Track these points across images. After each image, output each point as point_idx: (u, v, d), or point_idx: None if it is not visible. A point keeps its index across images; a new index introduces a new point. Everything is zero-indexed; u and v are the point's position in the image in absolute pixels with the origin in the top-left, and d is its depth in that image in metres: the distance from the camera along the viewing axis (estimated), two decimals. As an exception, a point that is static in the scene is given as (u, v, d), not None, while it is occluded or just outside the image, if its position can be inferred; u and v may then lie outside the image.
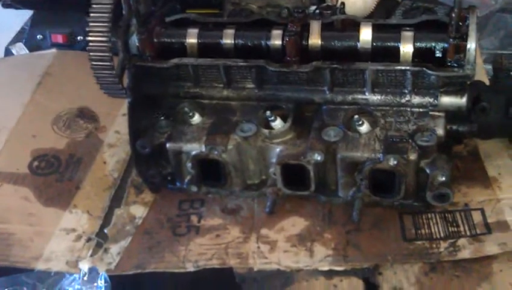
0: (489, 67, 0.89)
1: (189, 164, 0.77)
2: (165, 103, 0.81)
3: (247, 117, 0.79)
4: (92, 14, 0.77)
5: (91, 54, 0.78)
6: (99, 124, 0.93)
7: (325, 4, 1.02)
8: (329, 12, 0.94)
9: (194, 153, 0.76)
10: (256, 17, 0.84)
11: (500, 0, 1.03)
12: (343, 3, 0.97)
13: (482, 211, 0.76)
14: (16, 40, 1.11)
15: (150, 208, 0.81)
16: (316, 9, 0.97)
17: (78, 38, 1.07)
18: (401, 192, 0.74)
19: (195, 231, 0.78)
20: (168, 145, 0.77)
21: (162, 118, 0.80)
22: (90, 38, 0.77)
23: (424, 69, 0.73)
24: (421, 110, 0.75)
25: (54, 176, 0.86)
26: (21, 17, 1.14)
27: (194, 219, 0.79)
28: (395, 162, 0.71)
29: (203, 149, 0.76)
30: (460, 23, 0.73)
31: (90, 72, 0.79)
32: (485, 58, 0.97)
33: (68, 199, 0.83)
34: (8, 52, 1.10)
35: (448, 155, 0.75)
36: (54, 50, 1.06)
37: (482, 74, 0.91)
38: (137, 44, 0.80)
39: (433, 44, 0.75)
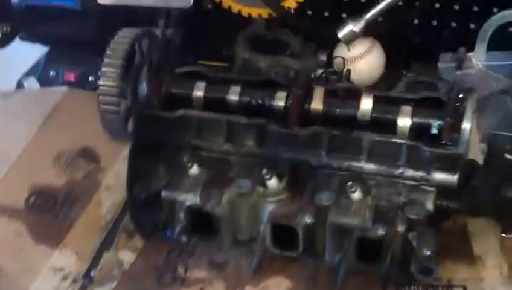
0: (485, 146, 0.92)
1: (182, 214, 0.79)
2: (165, 151, 0.83)
3: (244, 173, 0.81)
4: (105, 59, 0.81)
5: (100, 97, 0.81)
6: (100, 165, 0.95)
7: (331, 69, 1.05)
8: (335, 77, 0.98)
9: (188, 204, 0.78)
10: (263, 77, 0.88)
11: (501, 82, 1.06)
12: (349, 70, 1.01)
13: (465, 288, 0.76)
14: (29, 73, 1.14)
15: (138, 255, 0.82)
16: (322, 73, 1.01)
17: (90, 78, 1.10)
18: (387, 262, 0.75)
19: (180, 282, 0.79)
20: (163, 193, 0.79)
21: (161, 166, 0.82)
22: (101, 81, 0.80)
23: (419, 144, 0.75)
24: (413, 183, 0.77)
25: (49, 213, 0.87)
26: (36, 51, 1.17)
27: (180, 269, 0.80)
28: (383, 233, 0.73)
29: (198, 201, 0.78)
30: (458, 104, 0.76)
31: (97, 113, 0.82)
32: (482, 137, 0.99)
33: (60, 237, 0.84)
34: (20, 85, 1.13)
35: (436, 229, 0.77)
36: (64, 88, 1.09)
37: (478, 152, 0.93)
38: (146, 92, 0.83)
39: (430, 121, 0.78)
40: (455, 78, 0.95)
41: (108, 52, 0.80)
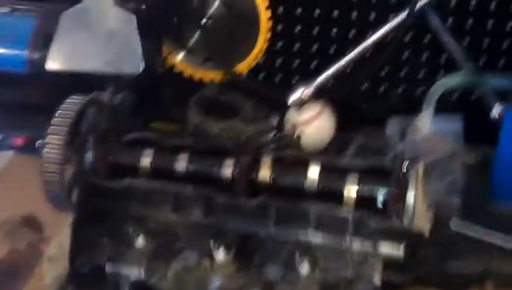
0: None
1: (126, 289, 0.77)
2: (111, 222, 0.82)
3: (192, 244, 0.80)
4: (51, 127, 0.79)
5: (43, 167, 0.79)
6: (43, 234, 0.93)
7: (282, 133, 1.06)
8: (285, 142, 0.99)
9: (132, 278, 0.77)
10: (212, 144, 0.87)
11: (448, 146, 1.08)
12: (299, 136, 1.01)
13: None
14: (-24, 138, 1.12)
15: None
16: (273, 136, 1.01)
17: (38, 142, 1.08)
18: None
19: None
20: (107, 266, 0.78)
21: (106, 237, 0.80)
22: (45, 150, 0.79)
23: (364, 217, 0.76)
24: (360, 255, 0.77)
25: (-11, 287, 0.85)
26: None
27: None
28: (330, 310, 0.73)
29: (142, 275, 0.76)
30: (402, 174, 0.77)
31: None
32: (430, 203, 1.00)
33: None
34: (-35, 150, 1.11)
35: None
36: (11, 152, 1.07)
37: (424, 221, 0.94)
38: (91, 160, 0.82)
39: (376, 191, 0.78)
40: (401, 146, 0.96)
41: (54, 120, 0.79)
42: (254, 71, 1.15)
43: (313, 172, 0.80)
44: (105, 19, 0.96)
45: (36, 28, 0.99)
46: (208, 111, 1.10)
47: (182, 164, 0.82)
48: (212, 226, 0.81)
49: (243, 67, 1.15)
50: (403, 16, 1.03)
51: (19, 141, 1.09)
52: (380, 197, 0.77)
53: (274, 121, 1.11)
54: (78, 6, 0.96)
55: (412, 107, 1.10)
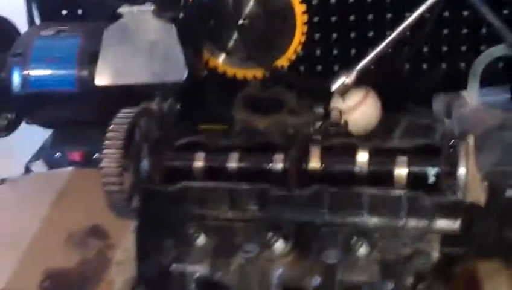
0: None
1: (192, 286, 0.80)
2: (171, 224, 0.85)
3: (250, 238, 0.82)
4: (107, 141, 0.83)
5: (104, 179, 0.83)
6: (110, 242, 0.97)
7: (329, 121, 1.07)
8: (333, 128, 1.00)
9: (197, 275, 0.79)
10: (260, 140, 0.89)
11: (497, 118, 1.07)
12: (346, 121, 1.03)
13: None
14: (35, 157, 1.17)
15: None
16: (321, 125, 1.03)
17: (95, 155, 1.12)
18: (399, 315, 0.76)
19: None
20: (172, 267, 0.81)
21: (168, 239, 0.83)
22: (103, 164, 0.83)
23: (418, 195, 0.76)
24: (417, 232, 0.78)
25: (62, 297, 0.89)
26: (41, 134, 1.20)
27: None
28: (392, 287, 0.74)
29: (207, 271, 0.79)
30: (451, 150, 0.77)
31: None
32: (483, 175, 1.00)
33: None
34: (27, 170, 1.16)
35: (445, 277, 0.77)
36: (71, 168, 1.12)
37: (479, 193, 0.94)
38: (147, 168, 0.85)
39: (427, 169, 0.79)
40: (449, 122, 0.96)
41: (109, 134, 0.83)
42: (295, 64, 1.18)
43: (362, 157, 0.82)
44: (146, 31, 0.99)
45: (82, 47, 1.03)
46: (253, 108, 1.13)
47: (233, 162, 0.85)
48: (268, 219, 0.83)
49: (284, 61, 1.17)
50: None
51: (76, 156, 1.13)
52: (431, 175, 0.78)
53: (319, 110, 1.13)
54: (119, 22, 1.00)
55: (457, 83, 1.10)
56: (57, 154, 1.15)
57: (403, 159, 0.79)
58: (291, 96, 1.13)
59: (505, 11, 1.07)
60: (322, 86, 1.11)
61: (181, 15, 1.09)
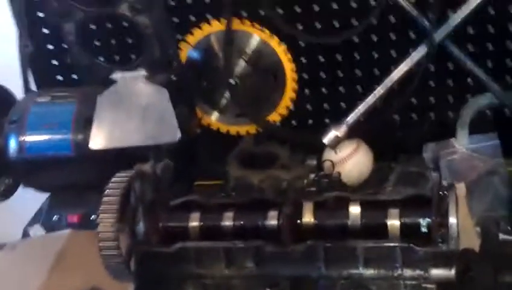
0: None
1: None
2: (169, 284, 0.85)
3: (249, 295, 0.83)
4: (102, 206, 0.84)
5: (100, 243, 0.84)
6: (109, 305, 0.97)
7: (322, 173, 1.09)
8: (326, 180, 1.01)
9: (198, 335, 0.80)
10: (255, 196, 0.91)
11: (487, 163, 1.09)
12: (339, 173, 1.04)
13: None
14: (33, 221, 1.18)
15: None
16: (314, 177, 1.04)
17: (92, 217, 1.13)
18: None
19: None
20: (172, 328, 0.81)
21: (167, 301, 0.84)
22: (99, 229, 0.84)
23: (411, 245, 0.77)
24: (413, 282, 0.79)
25: None
26: (38, 198, 1.21)
27: None
28: (393, 340, 0.74)
29: (207, 332, 0.79)
30: (441, 201, 0.79)
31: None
32: (476, 220, 1.01)
33: None
34: (25, 234, 1.17)
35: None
36: (68, 230, 1.13)
37: (473, 238, 0.95)
38: (143, 230, 0.86)
39: (419, 220, 0.80)
40: (437, 172, 0.98)
41: (104, 199, 0.84)
42: (287, 119, 1.20)
43: (354, 210, 0.83)
44: (139, 96, 1.02)
45: (76, 112, 1.05)
46: (247, 163, 1.14)
47: (228, 221, 0.86)
48: (265, 275, 0.83)
49: (275, 116, 1.20)
50: (422, 50, 1.06)
51: (74, 218, 1.14)
52: (423, 225, 0.79)
53: (312, 162, 1.14)
54: (112, 87, 1.03)
55: (446, 132, 1.12)
56: (55, 217, 1.16)
57: (395, 211, 0.81)
58: (284, 150, 1.15)
59: (489, 64, 1.10)
60: (314, 139, 1.14)
61: (173, 77, 1.12)
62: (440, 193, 0.78)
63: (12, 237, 1.17)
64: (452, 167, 1.09)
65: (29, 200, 1.21)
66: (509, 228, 0.95)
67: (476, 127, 1.11)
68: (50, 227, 1.16)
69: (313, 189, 0.97)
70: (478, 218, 1.03)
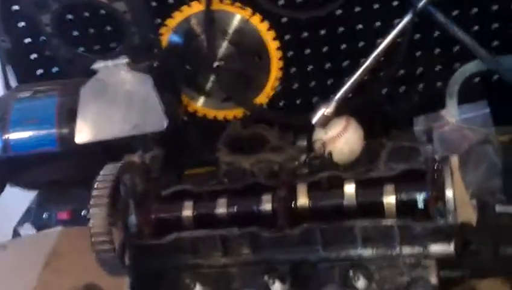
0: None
1: (193, 338, 0.79)
2: (166, 276, 0.84)
3: (247, 283, 0.81)
4: (92, 200, 0.82)
5: (93, 238, 0.82)
6: (105, 300, 0.95)
7: (313, 154, 1.08)
8: (318, 161, 1.00)
9: (197, 325, 0.79)
10: (247, 181, 0.89)
11: (478, 133, 1.08)
12: (330, 152, 1.03)
13: None
14: (23, 220, 1.16)
15: None
16: (305, 159, 1.03)
17: (82, 213, 1.12)
18: None
19: None
20: (171, 320, 0.80)
21: (165, 293, 0.83)
22: (91, 223, 0.82)
23: (409, 222, 0.76)
24: (412, 259, 0.78)
25: None
26: (27, 196, 1.19)
27: None
28: (394, 319, 0.73)
29: (206, 323, 0.78)
30: (436, 174, 0.77)
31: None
32: (471, 192, 1.00)
33: None
34: (16, 234, 1.15)
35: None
36: (59, 228, 1.11)
37: (470, 211, 0.94)
38: (135, 223, 0.85)
39: (415, 196, 0.79)
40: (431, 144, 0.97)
41: (94, 193, 0.82)
42: (274, 100, 1.18)
43: (349, 189, 0.81)
44: (122, 84, 0.99)
45: (59, 106, 1.03)
46: (236, 148, 1.13)
47: (222, 208, 0.84)
48: (263, 261, 0.82)
49: (262, 98, 1.18)
50: (407, 18, 1.04)
51: (64, 215, 1.12)
52: (420, 200, 0.78)
53: (302, 143, 1.13)
54: (94, 78, 1.00)
55: (436, 103, 1.11)
56: (45, 215, 1.14)
57: (390, 188, 0.79)
58: (273, 132, 1.14)
59: (475, 28, 1.09)
60: (303, 119, 1.12)
61: (156, 63, 1.09)
62: (435, 166, 0.76)
63: (2, 237, 1.15)
64: (443, 139, 1.08)
65: (17, 198, 1.19)
66: (504, 198, 0.94)
67: (466, 96, 1.10)
68: (40, 225, 1.14)
69: (305, 170, 0.95)
70: (473, 190, 1.02)
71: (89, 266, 1.01)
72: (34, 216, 1.15)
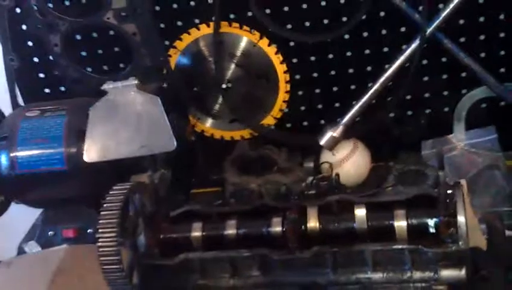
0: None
1: None
2: (174, 297, 0.84)
3: (256, 305, 0.81)
4: (101, 221, 0.82)
5: (101, 258, 0.81)
6: (112, 321, 0.94)
7: (320, 175, 1.08)
8: (325, 183, 1.00)
9: None
10: (256, 203, 0.89)
11: (486, 158, 1.08)
12: (337, 174, 1.03)
13: None
14: (28, 237, 1.15)
15: None
16: (312, 180, 1.03)
17: (88, 231, 1.11)
18: None
19: None
20: None
21: (172, 314, 0.82)
22: (99, 243, 0.81)
23: (420, 247, 0.76)
24: (423, 284, 0.78)
25: None
26: (32, 214, 1.18)
27: None
28: None
29: None
30: (448, 200, 0.77)
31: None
32: (480, 217, 1.00)
33: None
34: (21, 250, 1.14)
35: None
36: (64, 246, 1.10)
37: (480, 236, 0.94)
38: (144, 243, 0.84)
39: (426, 221, 0.79)
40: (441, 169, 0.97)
41: (102, 213, 0.82)
42: (281, 121, 1.18)
43: (360, 213, 0.81)
44: (131, 105, 0.99)
45: (67, 125, 1.03)
46: (243, 169, 1.13)
47: (231, 229, 0.84)
48: (272, 284, 0.82)
49: (270, 120, 1.18)
50: (415, 44, 1.05)
51: (69, 233, 1.11)
52: (431, 225, 0.78)
53: (309, 165, 1.13)
54: (104, 98, 1.00)
55: (443, 127, 1.11)
56: (50, 232, 1.13)
57: (401, 212, 0.79)
58: (281, 154, 1.14)
59: (482, 54, 1.09)
60: (310, 141, 1.12)
61: (165, 84, 1.09)
62: (447, 191, 0.76)
63: (7, 254, 1.14)
64: (451, 163, 1.08)
65: (22, 215, 1.18)
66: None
67: (473, 122, 1.10)
68: (45, 243, 1.13)
69: (313, 192, 0.95)
70: (482, 215, 1.02)
71: (95, 284, 1.00)
72: (39, 233, 1.14)
